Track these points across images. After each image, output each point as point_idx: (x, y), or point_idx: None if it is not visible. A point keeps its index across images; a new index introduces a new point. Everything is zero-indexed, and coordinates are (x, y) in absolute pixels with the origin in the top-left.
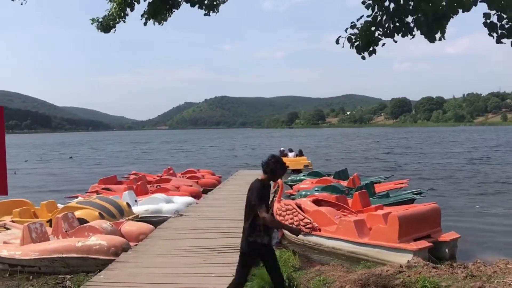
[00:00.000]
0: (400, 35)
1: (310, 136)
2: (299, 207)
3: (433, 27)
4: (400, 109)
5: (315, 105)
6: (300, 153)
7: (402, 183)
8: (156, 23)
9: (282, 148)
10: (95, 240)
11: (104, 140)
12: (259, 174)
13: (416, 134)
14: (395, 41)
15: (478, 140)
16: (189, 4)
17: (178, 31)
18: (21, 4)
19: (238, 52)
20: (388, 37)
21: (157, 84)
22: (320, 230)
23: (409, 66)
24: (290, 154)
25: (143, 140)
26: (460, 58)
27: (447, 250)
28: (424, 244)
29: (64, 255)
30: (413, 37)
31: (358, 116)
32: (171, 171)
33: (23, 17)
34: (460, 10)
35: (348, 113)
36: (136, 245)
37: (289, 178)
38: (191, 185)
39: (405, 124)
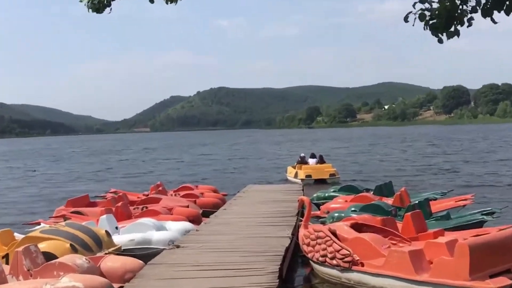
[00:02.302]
0: (503, 11)
1: (336, 139)
2: (334, 233)
3: None
4: (455, 100)
5: (341, 98)
6: (321, 160)
7: (465, 200)
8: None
9: (302, 154)
10: (67, 282)
11: (66, 147)
12: (273, 190)
13: (478, 133)
14: (495, 22)
15: None
16: None
17: (160, 4)
18: None
19: (239, 29)
20: (484, 15)
21: (134, 73)
22: (362, 264)
23: (466, 45)
24: (311, 161)
25: (118, 146)
26: None
27: None
28: (504, 282)
29: None
30: None
31: (400, 110)
32: (160, 188)
33: None
34: None
35: (386, 107)
36: (122, 287)
37: (315, 195)
38: (187, 206)
39: (461, 121)
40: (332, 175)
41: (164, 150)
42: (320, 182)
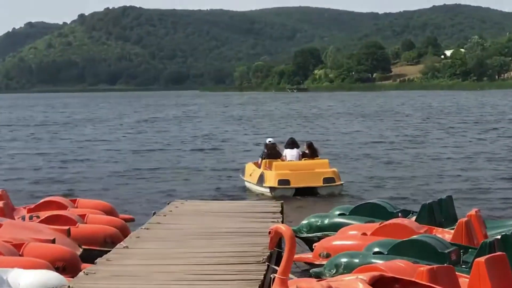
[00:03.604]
0: None
1: (349, 113)
2: None
3: None
4: None
5: (363, 33)
6: (310, 150)
7: None
8: None
9: (270, 139)
10: None
11: None
12: (220, 210)
13: None
14: None
15: None
16: None
17: None
18: None
19: None
20: None
21: None
22: None
23: None
24: (289, 153)
25: None
26: None
27: None
28: None
29: None
30: None
31: (474, 60)
32: (0, 204)
33: None
34: None
35: (447, 53)
36: None
37: (304, 222)
38: (53, 240)
39: None
40: (328, 180)
41: (10, 130)
42: (306, 193)
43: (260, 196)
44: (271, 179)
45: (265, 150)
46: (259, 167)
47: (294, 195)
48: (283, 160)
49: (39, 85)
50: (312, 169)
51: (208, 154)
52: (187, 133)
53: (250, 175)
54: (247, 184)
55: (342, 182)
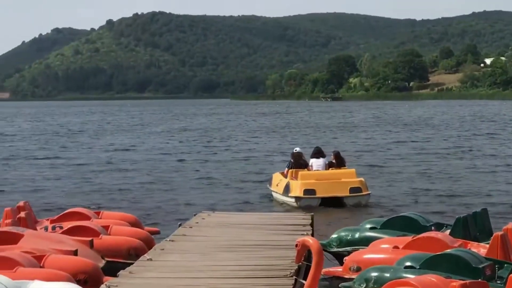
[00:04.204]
0: None
1: (385, 123)
2: None
3: None
4: None
5: (400, 41)
6: (338, 159)
7: None
8: None
9: (297, 149)
10: None
11: None
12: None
13: None
14: None
15: None
16: None
17: None
18: None
19: None
20: None
21: None
22: None
23: None
24: (316, 162)
25: None
26: None
27: None
28: None
29: None
30: None
31: None
32: (23, 214)
33: None
34: None
35: (487, 61)
36: None
37: (334, 236)
38: (75, 252)
39: None
40: (355, 190)
41: (37, 138)
42: (332, 203)
43: (285, 206)
44: (297, 189)
45: (291, 160)
46: (286, 177)
47: (320, 205)
48: (309, 170)
49: (66, 92)
50: (339, 179)
51: (237, 164)
52: (216, 143)
53: (277, 185)
54: (273, 194)
55: (369, 192)
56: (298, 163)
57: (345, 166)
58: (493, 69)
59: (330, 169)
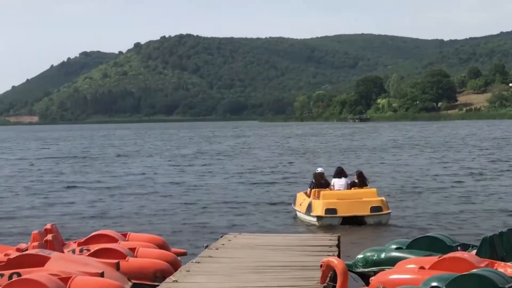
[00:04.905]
0: None
1: (412, 143)
2: None
3: None
4: None
5: (428, 61)
6: (360, 179)
7: None
8: None
9: (320, 169)
10: None
11: None
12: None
13: None
14: None
15: None
16: None
17: None
18: None
19: None
20: None
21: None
22: None
23: None
24: (338, 182)
25: None
26: None
27: None
28: None
29: None
30: None
31: None
32: (50, 237)
33: None
34: None
35: None
36: None
37: (359, 257)
38: (102, 274)
39: None
40: (376, 209)
41: (66, 162)
42: (353, 222)
43: (310, 227)
44: (318, 208)
45: (313, 180)
46: (309, 197)
47: (341, 224)
48: (331, 190)
49: (94, 115)
50: (360, 198)
51: (264, 186)
52: (243, 166)
53: (300, 204)
54: (297, 213)
55: (389, 211)
56: (320, 183)
57: (367, 185)
58: None
59: (352, 188)
